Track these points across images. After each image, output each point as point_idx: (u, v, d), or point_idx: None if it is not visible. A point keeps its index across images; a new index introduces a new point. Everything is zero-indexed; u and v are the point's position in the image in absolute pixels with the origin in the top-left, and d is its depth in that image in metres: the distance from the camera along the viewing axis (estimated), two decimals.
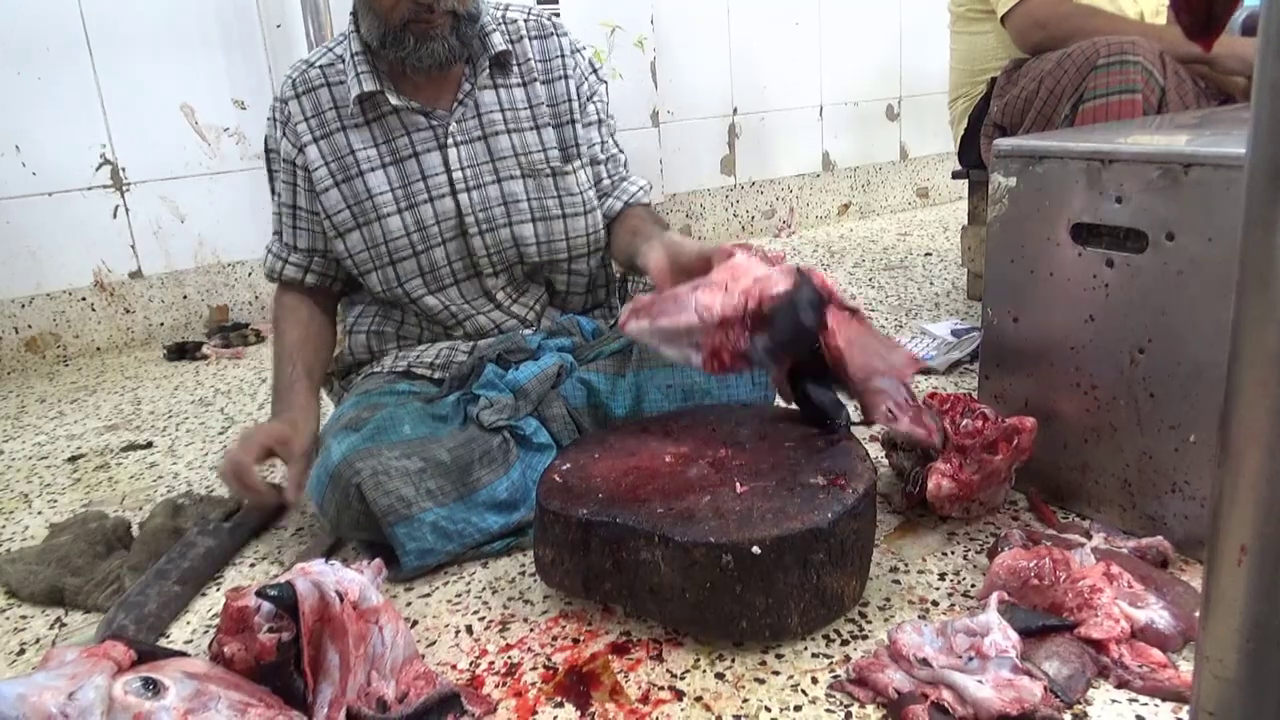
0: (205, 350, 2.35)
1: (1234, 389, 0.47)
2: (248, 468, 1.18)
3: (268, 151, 1.38)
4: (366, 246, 1.32)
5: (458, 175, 1.31)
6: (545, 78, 1.37)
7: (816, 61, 3.45)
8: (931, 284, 2.53)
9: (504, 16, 1.37)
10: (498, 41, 1.32)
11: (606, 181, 1.43)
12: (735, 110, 3.31)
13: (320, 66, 1.33)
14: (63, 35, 2.25)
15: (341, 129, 1.30)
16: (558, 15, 1.47)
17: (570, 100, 1.38)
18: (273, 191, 1.38)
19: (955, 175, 2.30)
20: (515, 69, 1.36)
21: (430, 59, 1.23)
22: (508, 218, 1.34)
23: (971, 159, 2.10)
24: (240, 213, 2.55)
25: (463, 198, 1.32)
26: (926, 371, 1.79)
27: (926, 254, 2.93)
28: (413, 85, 1.31)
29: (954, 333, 1.96)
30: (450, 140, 1.31)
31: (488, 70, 1.33)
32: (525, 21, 1.38)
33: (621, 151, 1.47)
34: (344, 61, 1.31)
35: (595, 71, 1.44)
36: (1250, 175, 0.44)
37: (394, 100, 1.28)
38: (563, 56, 1.38)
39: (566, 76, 1.38)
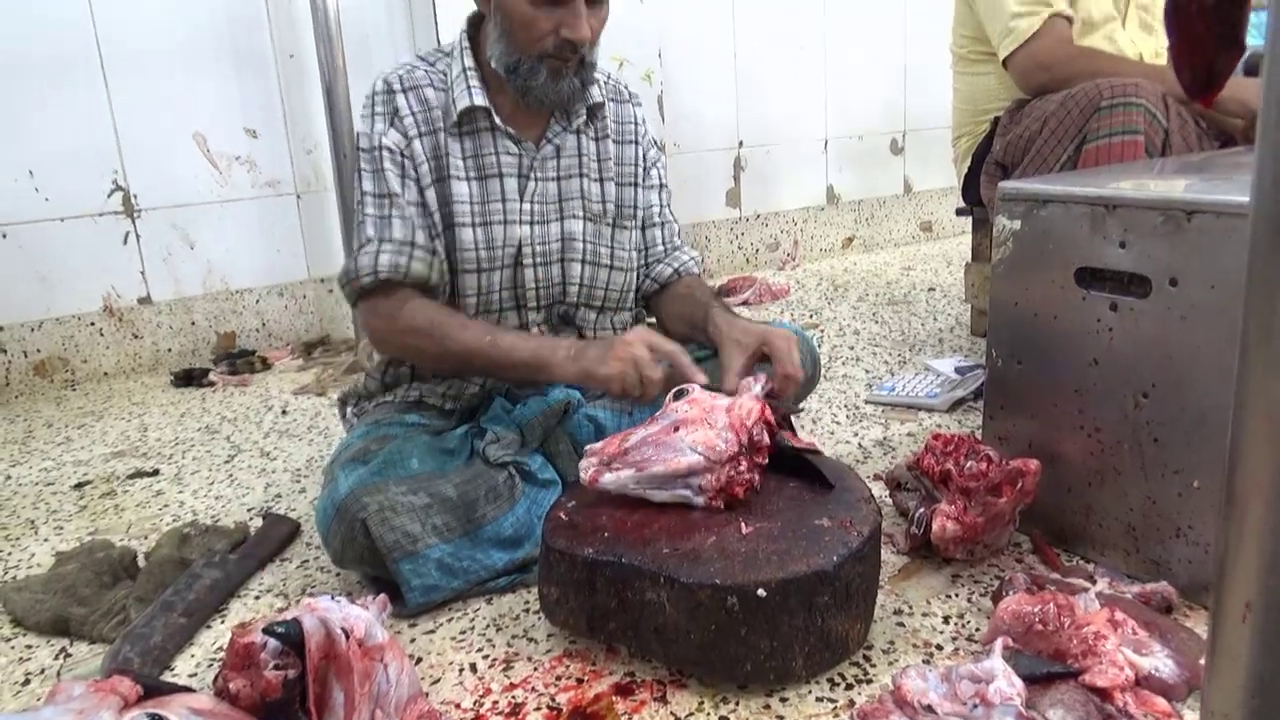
0: (212, 377, 2.36)
1: (1238, 443, 0.47)
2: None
3: (364, 151, 1.30)
4: (445, 253, 1.32)
5: (527, 208, 1.34)
6: (618, 138, 1.44)
7: (821, 95, 3.49)
8: (935, 319, 2.54)
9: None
10: (595, 94, 1.37)
11: (660, 247, 1.49)
12: (740, 143, 3.34)
13: (424, 69, 1.34)
14: (76, 62, 2.28)
15: (441, 130, 1.32)
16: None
17: (636, 165, 1.45)
18: (365, 193, 1.30)
19: (959, 212, 2.32)
20: (595, 123, 1.41)
21: (555, 95, 1.29)
22: (561, 254, 1.37)
23: (975, 196, 2.12)
24: (250, 241, 2.57)
25: (526, 229, 1.34)
26: (930, 409, 1.80)
27: (930, 289, 2.94)
28: (506, 114, 1.33)
29: (958, 370, 1.97)
30: (533, 174, 1.34)
31: (583, 118, 1.37)
32: (604, 84, 1.43)
33: (676, 220, 1.52)
34: (446, 74, 1.33)
35: (656, 144, 1.51)
36: (1254, 231, 0.44)
37: (497, 119, 1.31)
38: (635, 124, 1.46)
39: (636, 142, 1.45)
